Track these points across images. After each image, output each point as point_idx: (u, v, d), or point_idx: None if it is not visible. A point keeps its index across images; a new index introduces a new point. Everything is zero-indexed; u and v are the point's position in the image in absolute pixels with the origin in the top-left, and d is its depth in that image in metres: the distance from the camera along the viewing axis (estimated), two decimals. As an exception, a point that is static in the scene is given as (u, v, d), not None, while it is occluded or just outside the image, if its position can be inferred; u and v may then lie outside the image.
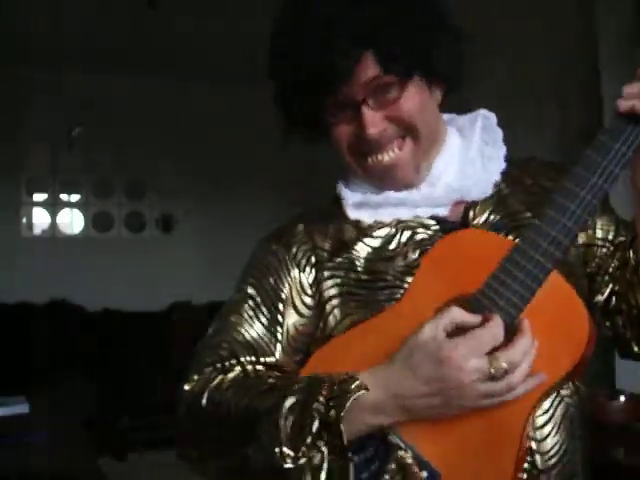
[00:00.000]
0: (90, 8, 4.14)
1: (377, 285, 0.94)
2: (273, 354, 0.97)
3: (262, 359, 0.96)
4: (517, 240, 0.85)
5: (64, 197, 5.88)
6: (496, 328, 0.79)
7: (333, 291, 0.97)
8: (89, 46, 4.73)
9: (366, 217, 1.01)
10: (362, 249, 0.98)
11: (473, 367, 0.77)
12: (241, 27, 4.40)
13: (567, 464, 0.91)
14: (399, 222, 0.99)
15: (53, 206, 5.78)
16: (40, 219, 5.81)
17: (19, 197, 5.64)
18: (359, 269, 0.96)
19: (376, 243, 0.98)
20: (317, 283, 0.98)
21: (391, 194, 1.00)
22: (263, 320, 0.98)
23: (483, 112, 1.07)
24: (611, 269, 0.99)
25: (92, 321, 5.28)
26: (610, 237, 1.01)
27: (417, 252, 0.95)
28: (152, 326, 5.37)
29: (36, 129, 5.41)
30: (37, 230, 5.85)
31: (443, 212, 0.99)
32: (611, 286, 0.99)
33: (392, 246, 0.97)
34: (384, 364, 0.82)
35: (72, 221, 5.99)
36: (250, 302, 1.00)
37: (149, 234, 5.99)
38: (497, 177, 1.02)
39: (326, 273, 0.98)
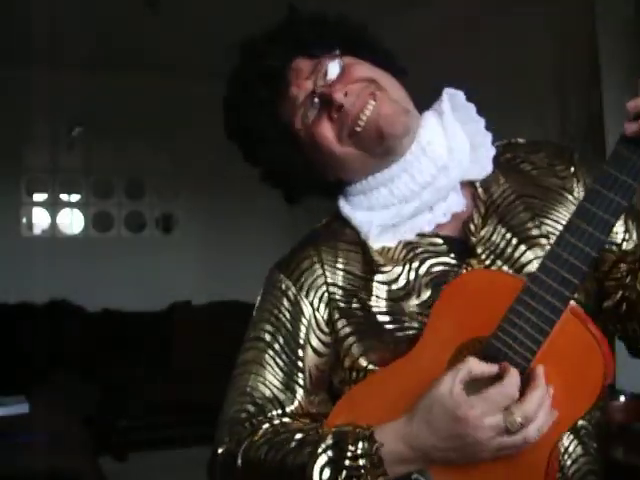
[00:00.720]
0: (90, 8, 4.14)
1: (393, 327, 0.94)
2: (297, 400, 0.97)
3: (287, 409, 0.97)
4: (526, 280, 0.83)
5: (64, 197, 5.88)
6: (511, 387, 0.79)
7: (349, 329, 0.97)
8: (89, 46, 4.73)
9: (389, 241, 0.99)
10: (375, 288, 0.97)
11: (489, 424, 0.78)
12: (242, 27, 4.39)
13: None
14: (406, 247, 0.98)
15: (53, 206, 5.78)
16: (40, 219, 5.81)
17: (19, 197, 5.65)
18: (374, 309, 0.95)
19: (388, 279, 0.96)
20: (332, 322, 0.98)
21: (404, 208, 0.98)
22: (285, 369, 0.98)
23: (447, 90, 1.05)
24: (619, 275, 0.97)
25: (92, 321, 5.28)
26: (618, 240, 0.99)
27: (430, 287, 0.94)
28: (152, 326, 5.37)
29: (36, 129, 5.41)
30: (37, 230, 5.85)
31: (459, 205, 0.98)
32: (621, 292, 0.96)
33: (404, 281, 0.96)
34: (405, 417, 0.84)
35: (72, 221, 5.99)
36: (270, 351, 0.99)
37: (149, 234, 5.99)
38: (492, 151, 1.01)
39: (341, 313, 0.97)
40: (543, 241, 0.96)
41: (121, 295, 5.34)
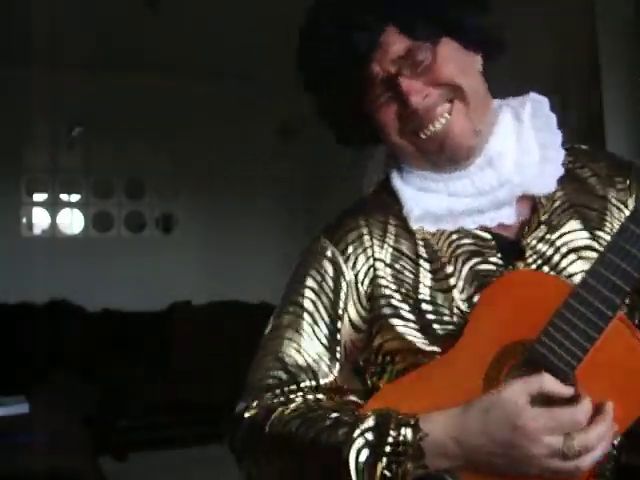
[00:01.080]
0: (90, 8, 4.14)
1: (433, 318, 0.92)
2: (332, 374, 0.94)
3: (322, 381, 0.93)
4: (575, 285, 0.80)
5: (64, 197, 5.88)
6: (583, 415, 0.76)
7: (388, 310, 0.94)
8: (89, 46, 4.73)
9: (429, 227, 0.96)
10: (421, 274, 0.94)
11: (547, 442, 0.76)
12: (242, 27, 4.39)
13: None
14: (455, 238, 0.95)
15: (53, 206, 5.77)
16: (40, 219, 5.81)
17: (19, 197, 5.64)
18: (419, 296, 0.93)
19: (433, 267, 0.94)
20: (374, 298, 0.95)
21: (455, 204, 0.95)
22: (322, 340, 0.94)
23: (533, 95, 1.03)
24: None
25: (92, 321, 5.28)
26: None
27: (474, 285, 0.92)
28: (152, 326, 5.37)
29: (36, 129, 5.41)
30: (37, 230, 5.86)
31: (510, 218, 0.94)
32: None
33: (449, 273, 0.93)
34: (458, 410, 0.81)
35: (72, 221, 5.99)
36: (308, 318, 0.95)
37: (149, 234, 5.98)
38: (560, 171, 0.97)
39: (384, 291, 0.95)
40: (591, 254, 0.92)
41: (121, 295, 5.34)
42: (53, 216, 5.75)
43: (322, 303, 0.96)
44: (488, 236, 0.95)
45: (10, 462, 2.39)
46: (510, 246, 0.94)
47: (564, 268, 0.92)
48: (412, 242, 0.96)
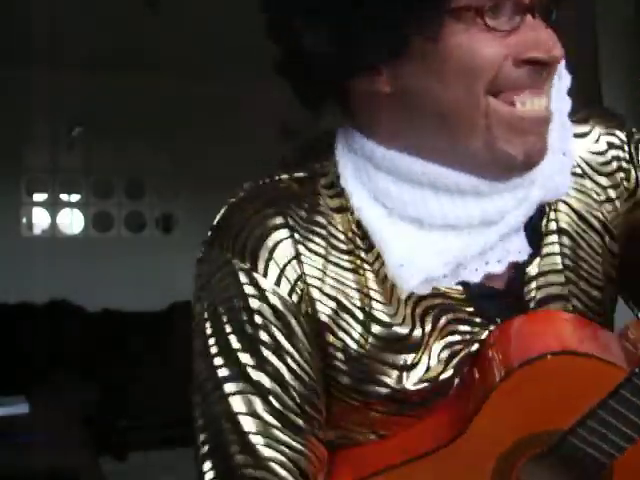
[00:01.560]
0: (90, 8, 4.14)
1: (374, 386, 0.70)
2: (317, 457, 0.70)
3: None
4: (619, 382, 0.65)
5: (64, 197, 5.88)
6: None
7: (326, 359, 0.70)
8: (89, 46, 4.73)
9: (423, 287, 0.69)
10: (374, 329, 0.69)
11: None
12: (242, 27, 4.39)
13: None
14: (422, 302, 0.70)
15: (53, 206, 5.77)
16: (40, 219, 5.81)
17: (19, 197, 5.64)
18: (359, 350, 0.69)
19: (386, 312, 0.69)
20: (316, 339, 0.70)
21: (458, 248, 0.68)
22: (300, 422, 0.67)
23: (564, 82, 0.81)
24: None
25: (92, 321, 5.28)
26: None
27: (443, 360, 0.70)
28: (152, 326, 5.37)
29: (36, 129, 5.41)
30: (37, 230, 5.85)
31: (523, 252, 0.72)
32: None
33: (406, 331, 0.69)
34: None
35: (72, 221, 5.99)
36: (272, 400, 0.67)
37: (149, 234, 5.98)
38: (573, 160, 0.75)
39: (322, 334, 0.69)
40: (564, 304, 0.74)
41: (121, 295, 5.34)
42: (53, 216, 5.75)
43: (274, 365, 0.67)
44: (457, 287, 0.71)
45: (10, 462, 2.39)
46: (488, 296, 0.72)
47: None
48: (361, 270, 0.70)
